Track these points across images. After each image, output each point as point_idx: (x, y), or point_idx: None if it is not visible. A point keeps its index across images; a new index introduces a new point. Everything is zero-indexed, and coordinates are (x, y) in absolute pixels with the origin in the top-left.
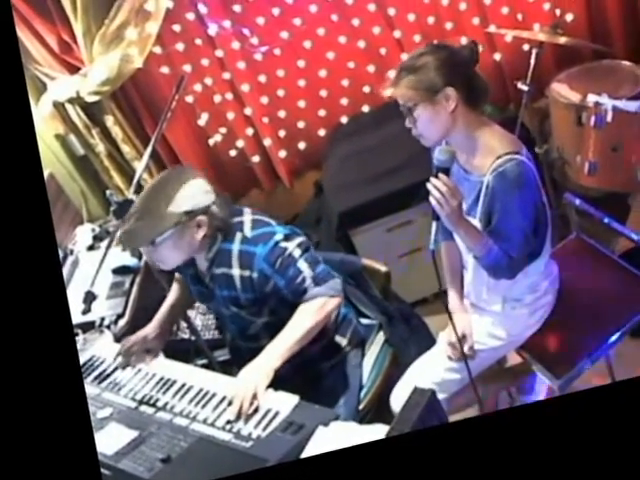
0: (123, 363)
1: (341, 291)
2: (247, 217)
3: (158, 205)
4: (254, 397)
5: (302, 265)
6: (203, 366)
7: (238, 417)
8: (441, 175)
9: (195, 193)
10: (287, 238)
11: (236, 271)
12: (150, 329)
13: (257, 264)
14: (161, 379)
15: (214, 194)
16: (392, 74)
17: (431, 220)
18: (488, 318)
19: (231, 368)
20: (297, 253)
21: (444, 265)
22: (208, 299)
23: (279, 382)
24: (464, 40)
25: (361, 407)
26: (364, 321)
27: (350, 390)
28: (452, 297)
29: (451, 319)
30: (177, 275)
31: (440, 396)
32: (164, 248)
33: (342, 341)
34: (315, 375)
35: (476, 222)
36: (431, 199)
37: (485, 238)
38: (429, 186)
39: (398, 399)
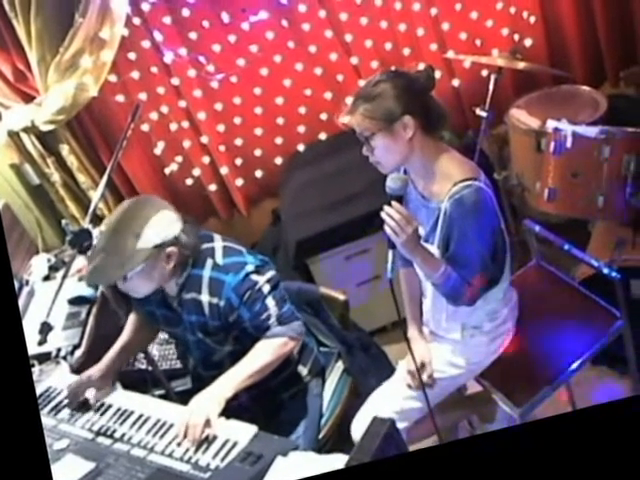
0: (71, 405)
1: (302, 334)
2: (218, 243)
3: (126, 242)
4: (205, 425)
5: (270, 302)
6: (160, 396)
7: (189, 445)
8: (394, 203)
9: (162, 225)
10: (258, 271)
11: (205, 297)
12: (96, 370)
13: (225, 293)
14: (118, 410)
15: (180, 222)
16: (349, 102)
17: (388, 246)
18: (447, 346)
19: (189, 398)
20: (266, 289)
21: (403, 293)
22: (174, 324)
23: (239, 411)
24: (421, 66)
25: (320, 436)
26: (322, 349)
27: (310, 419)
28: (411, 325)
29: (410, 347)
30: (131, 316)
31: (401, 425)
32: (135, 281)
33: (303, 371)
34: (276, 405)
35: (434, 249)
36: (386, 228)
37: (443, 265)
38: (383, 215)
39: (359, 428)
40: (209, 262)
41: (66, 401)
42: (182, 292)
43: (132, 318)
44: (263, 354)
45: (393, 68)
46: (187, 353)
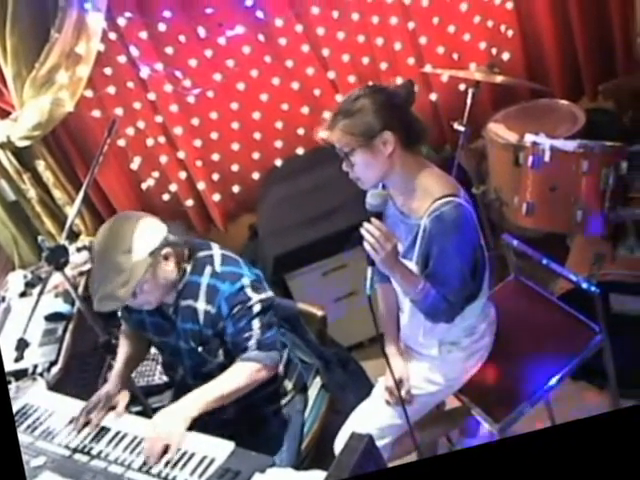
0: (83, 422)
1: (278, 364)
2: (216, 251)
3: (121, 261)
4: (166, 440)
5: (255, 324)
6: (137, 413)
7: (151, 460)
8: (374, 220)
9: (149, 233)
10: (254, 288)
11: (201, 305)
12: (111, 386)
13: (218, 300)
14: (94, 427)
15: (164, 224)
16: (328, 117)
17: (367, 262)
18: (425, 362)
19: None
20: (256, 309)
21: (380, 308)
22: (165, 333)
23: (223, 425)
24: (399, 80)
25: None
26: (301, 365)
27: (293, 435)
28: (388, 341)
29: (388, 363)
30: (123, 328)
31: (383, 442)
32: (145, 293)
33: (288, 385)
34: (260, 419)
35: (413, 265)
36: (365, 244)
37: (422, 282)
38: (362, 231)
39: (340, 447)
40: (208, 269)
41: (81, 419)
42: (179, 299)
43: (125, 330)
44: (237, 378)
45: (372, 83)
46: (176, 363)
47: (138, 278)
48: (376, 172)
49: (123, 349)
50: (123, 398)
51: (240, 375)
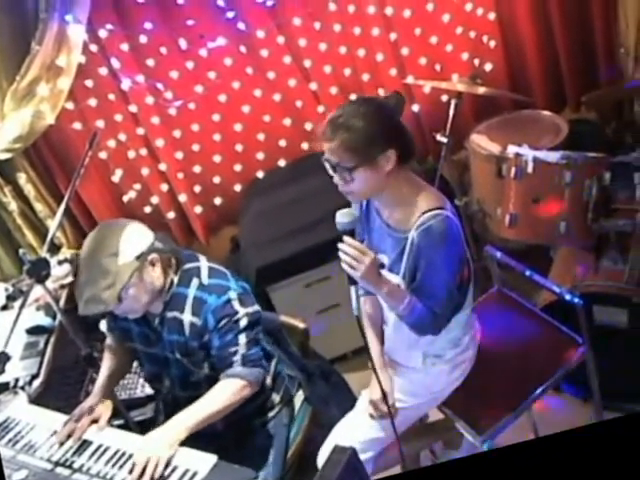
0: (65, 435)
1: (259, 382)
2: (203, 263)
3: (107, 264)
4: (153, 466)
5: (241, 339)
6: (119, 426)
7: None
8: (346, 238)
9: (136, 237)
10: (241, 301)
11: (187, 316)
12: (94, 399)
13: (205, 313)
14: (77, 440)
15: (151, 231)
16: (326, 130)
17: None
18: (409, 375)
19: (148, 428)
20: (243, 323)
21: (364, 321)
22: (152, 343)
23: (211, 437)
24: (381, 92)
25: None
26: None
27: (278, 449)
28: (373, 354)
29: (377, 376)
30: (108, 341)
31: (366, 455)
32: (130, 298)
33: (276, 398)
34: (247, 432)
35: (399, 279)
36: (343, 265)
37: (408, 296)
38: (339, 253)
39: (324, 459)
40: (195, 281)
41: (63, 431)
42: (165, 310)
43: (109, 343)
44: (224, 396)
45: (369, 96)
46: (163, 374)
47: (124, 281)
48: (374, 187)
49: (107, 362)
50: (105, 411)
51: (225, 393)
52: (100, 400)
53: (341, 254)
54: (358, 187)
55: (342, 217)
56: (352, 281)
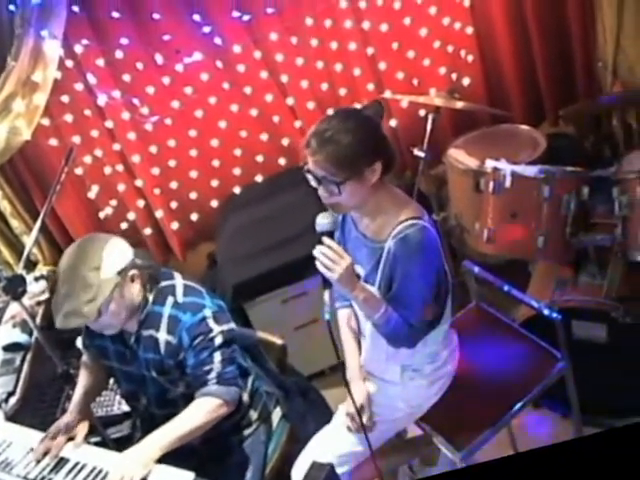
0: (42, 452)
1: (236, 401)
2: (179, 281)
3: (89, 278)
4: None
5: (216, 357)
6: (96, 444)
7: None
8: (325, 239)
9: (118, 252)
10: (216, 319)
11: (162, 335)
12: (70, 416)
13: (179, 331)
14: (54, 457)
15: (131, 247)
16: (311, 142)
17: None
18: (387, 389)
19: (125, 445)
20: (218, 341)
21: (341, 334)
22: (128, 361)
23: (189, 454)
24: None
25: None
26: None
27: (256, 466)
28: (350, 366)
29: (349, 390)
30: (84, 358)
31: (341, 470)
32: (109, 313)
33: (253, 415)
34: (225, 449)
35: (375, 290)
36: (318, 266)
37: (384, 305)
38: (315, 253)
39: (299, 474)
40: (170, 300)
41: (40, 448)
42: (141, 329)
43: (85, 360)
44: (198, 415)
45: (354, 107)
46: (139, 392)
47: (105, 295)
48: (359, 199)
49: (82, 380)
50: (82, 428)
51: (200, 412)
52: (76, 417)
53: (318, 254)
54: (345, 200)
55: (323, 218)
56: (326, 284)
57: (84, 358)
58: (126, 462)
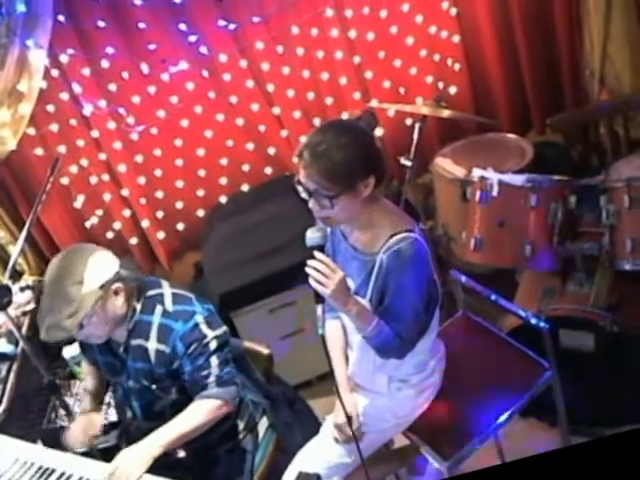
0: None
1: (236, 400)
2: (167, 290)
3: (71, 291)
4: None
5: (213, 361)
6: (83, 454)
7: None
8: (317, 253)
9: (101, 266)
10: (208, 323)
11: (152, 344)
12: (90, 414)
13: (173, 340)
14: (40, 468)
15: (116, 258)
16: (304, 155)
17: (314, 301)
18: (374, 399)
19: (112, 455)
20: (213, 346)
21: (329, 345)
22: (117, 372)
23: (175, 465)
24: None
25: None
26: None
27: (243, 475)
28: (338, 378)
29: (341, 399)
30: (84, 364)
31: None
32: (92, 326)
33: (240, 425)
34: (212, 459)
35: (365, 302)
36: (311, 281)
37: (375, 318)
38: (307, 269)
39: None
40: (159, 308)
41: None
42: (130, 338)
43: (85, 365)
44: (198, 415)
45: (346, 118)
46: (125, 404)
47: (86, 310)
48: (352, 213)
49: (89, 384)
50: (98, 420)
51: (201, 412)
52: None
53: (310, 270)
54: (337, 214)
55: (313, 233)
56: (319, 299)
57: (83, 363)
58: (128, 457)
